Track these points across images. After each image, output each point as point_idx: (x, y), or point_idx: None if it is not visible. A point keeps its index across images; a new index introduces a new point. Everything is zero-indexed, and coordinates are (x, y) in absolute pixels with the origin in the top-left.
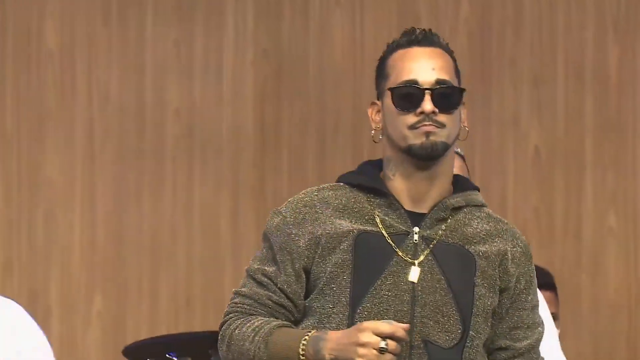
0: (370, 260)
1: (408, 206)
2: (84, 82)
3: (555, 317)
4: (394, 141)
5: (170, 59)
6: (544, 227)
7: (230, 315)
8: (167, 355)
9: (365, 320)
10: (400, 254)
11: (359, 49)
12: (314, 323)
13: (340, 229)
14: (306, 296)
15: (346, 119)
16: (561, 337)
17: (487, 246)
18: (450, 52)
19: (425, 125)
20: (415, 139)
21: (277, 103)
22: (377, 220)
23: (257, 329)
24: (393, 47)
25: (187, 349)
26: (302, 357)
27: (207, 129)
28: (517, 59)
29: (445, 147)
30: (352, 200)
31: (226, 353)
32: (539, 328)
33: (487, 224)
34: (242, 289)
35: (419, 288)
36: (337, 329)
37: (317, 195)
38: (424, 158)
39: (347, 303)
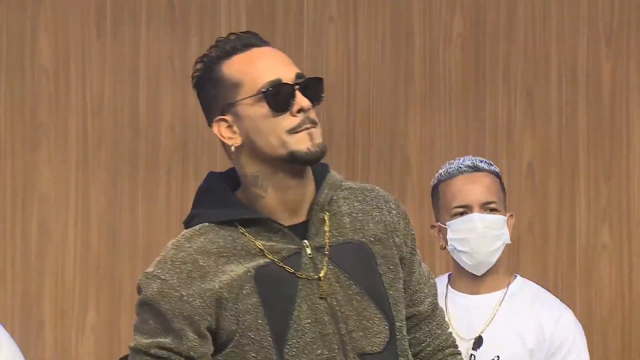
0: (278, 294)
1: (287, 221)
2: (78, 95)
3: None
4: (265, 152)
5: (164, 71)
6: (537, 240)
7: None
8: None
9: (294, 356)
10: (302, 276)
11: (353, 64)
12: None
13: (234, 274)
14: (216, 352)
15: (340, 131)
16: None
17: (371, 225)
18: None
19: (307, 127)
20: (299, 144)
21: None
22: (264, 250)
23: None
24: (221, 58)
25: None
26: None
27: (201, 139)
28: (510, 72)
29: (325, 147)
30: (229, 239)
31: None
32: (431, 280)
33: (357, 202)
34: None
35: (334, 303)
36: None
37: (190, 247)
38: (310, 163)
39: (271, 346)
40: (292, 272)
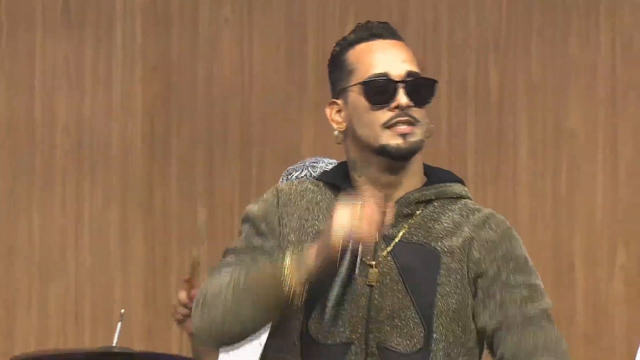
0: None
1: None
2: None
3: None
4: (363, 141)
5: (59, 75)
6: None
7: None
8: None
9: (318, 324)
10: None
11: (247, 65)
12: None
13: (304, 222)
14: None
15: (234, 135)
16: None
17: (453, 239)
18: (407, 43)
19: (401, 122)
20: (390, 140)
21: (166, 118)
22: None
23: (236, 273)
24: (350, 42)
25: None
26: (287, 277)
27: (96, 143)
28: None
29: (421, 144)
30: (325, 197)
31: (201, 308)
32: (544, 299)
33: (458, 215)
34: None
35: (376, 292)
36: (293, 332)
37: (296, 186)
38: (399, 159)
39: (301, 308)
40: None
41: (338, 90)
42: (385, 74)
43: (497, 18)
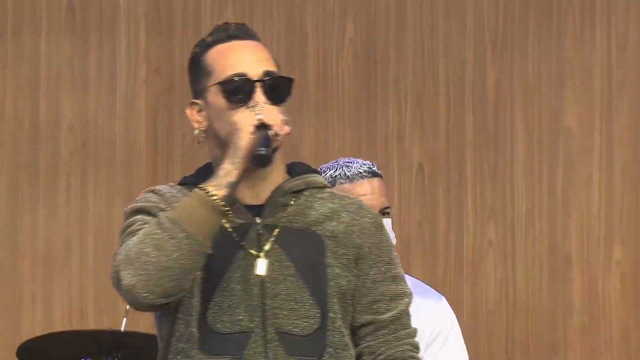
0: (218, 254)
1: (247, 200)
2: None
3: None
4: (223, 139)
5: (64, 75)
6: (427, 240)
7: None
8: None
9: (216, 314)
10: (245, 246)
11: None
12: (171, 320)
13: None
14: None
15: None
16: None
17: (334, 223)
18: (262, 43)
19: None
20: None
21: (169, 118)
22: None
23: (153, 223)
24: (208, 44)
25: (82, 347)
26: (211, 193)
27: (100, 143)
28: (400, 78)
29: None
30: None
31: (130, 265)
32: (405, 299)
33: (331, 203)
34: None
35: (268, 279)
36: (192, 324)
37: (160, 190)
38: None
39: (199, 296)
40: (237, 241)
41: (198, 90)
42: (242, 74)
43: (494, 18)
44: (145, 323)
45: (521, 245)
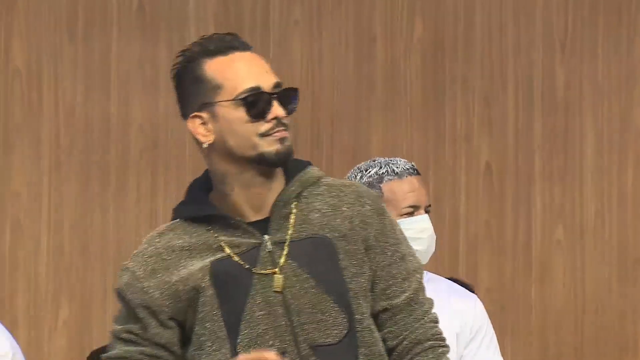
0: (233, 286)
1: (252, 217)
2: (51, 98)
3: None
4: (237, 152)
5: (134, 75)
6: (495, 239)
7: None
8: None
9: (246, 347)
10: (257, 270)
11: (317, 67)
12: None
13: (193, 269)
14: (188, 342)
15: (304, 133)
16: (506, 342)
17: (338, 221)
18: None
19: (279, 131)
20: (269, 146)
21: None
22: (223, 245)
23: None
24: (202, 56)
25: None
26: None
27: (170, 143)
28: (469, 78)
29: (292, 148)
30: (194, 234)
31: None
32: (416, 275)
33: (330, 197)
34: (112, 352)
35: (289, 296)
36: (223, 358)
37: (159, 242)
38: (277, 164)
39: (225, 337)
40: (248, 267)
41: (200, 104)
42: (258, 88)
43: (563, 19)
44: None
45: (590, 246)
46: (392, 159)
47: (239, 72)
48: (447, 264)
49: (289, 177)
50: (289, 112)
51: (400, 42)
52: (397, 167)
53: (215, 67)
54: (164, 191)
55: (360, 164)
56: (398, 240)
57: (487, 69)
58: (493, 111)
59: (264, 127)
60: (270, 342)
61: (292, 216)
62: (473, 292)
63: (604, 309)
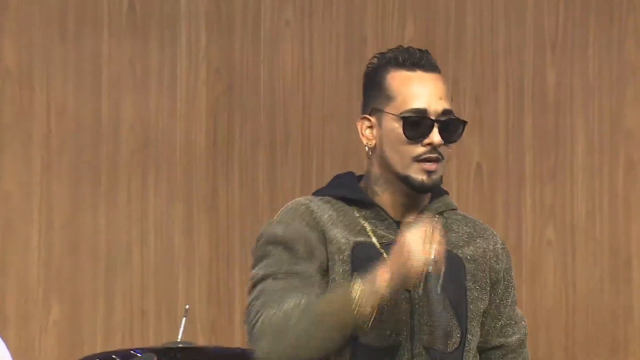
0: (368, 270)
1: (396, 216)
2: (41, 98)
3: None
4: (390, 164)
5: (125, 76)
6: None
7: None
8: (131, 351)
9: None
10: None
11: (308, 68)
12: None
13: (337, 238)
14: None
15: (295, 134)
16: None
17: (472, 248)
18: (442, 75)
19: (430, 159)
20: (417, 174)
21: (228, 119)
22: (368, 230)
23: (298, 301)
24: (390, 63)
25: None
26: (359, 305)
27: (161, 143)
28: (459, 78)
29: (441, 180)
30: (342, 212)
31: (267, 338)
32: (523, 322)
33: (466, 226)
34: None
35: (416, 296)
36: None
37: (309, 205)
38: (420, 192)
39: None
40: (386, 258)
41: (372, 107)
42: (423, 110)
43: (554, 18)
44: (204, 325)
45: (581, 246)
46: None
47: (413, 90)
48: None
49: (433, 195)
50: (447, 142)
51: (391, 43)
52: None
53: (395, 79)
54: (155, 191)
55: None
56: (515, 286)
57: (478, 70)
58: (484, 112)
59: (418, 150)
60: (388, 332)
61: None
62: None
63: (595, 309)
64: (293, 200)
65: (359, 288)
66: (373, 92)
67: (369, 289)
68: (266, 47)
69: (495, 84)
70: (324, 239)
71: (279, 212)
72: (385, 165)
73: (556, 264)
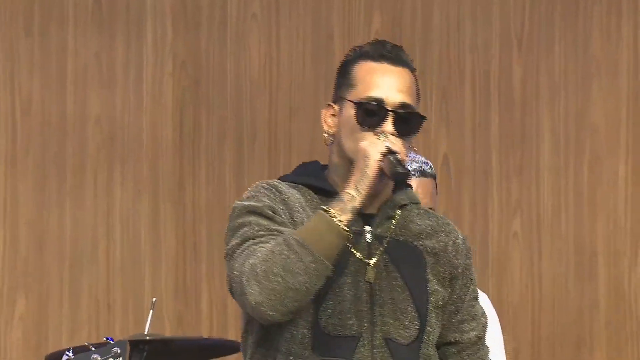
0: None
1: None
2: (7, 93)
3: None
4: (346, 153)
5: (91, 70)
6: None
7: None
8: (104, 339)
9: (329, 317)
10: (356, 253)
11: (275, 62)
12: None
13: (304, 222)
14: None
15: (262, 129)
16: None
17: (433, 241)
18: (414, 71)
19: None
20: None
21: (195, 113)
22: None
23: (276, 241)
24: (361, 55)
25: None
26: (337, 218)
27: (127, 137)
28: (426, 73)
29: (399, 174)
30: (308, 198)
31: (257, 281)
32: (482, 319)
33: (428, 220)
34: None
35: (377, 287)
36: (304, 325)
37: (280, 185)
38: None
39: (312, 300)
40: (349, 248)
41: (337, 96)
42: (380, 100)
43: (520, 14)
44: (171, 318)
45: (547, 241)
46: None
47: (374, 80)
48: None
49: (397, 188)
50: (402, 135)
51: (358, 38)
52: (419, 163)
53: (360, 68)
54: (121, 187)
55: None
56: (475, 282)
57: (444, 65)
58: (450, 107)
59: (368, 137)
60: (350, 322)
61: (395, 219)
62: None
63: (561, 304)
64: (261, 181)
65: (329, 208)
66: (340, 81)
67: (339, 204)
68: (232, 41)
69: (461, 80)
70: (292, 221)
71: (248, 190)
72: (342, 153)
73: (522, 259)
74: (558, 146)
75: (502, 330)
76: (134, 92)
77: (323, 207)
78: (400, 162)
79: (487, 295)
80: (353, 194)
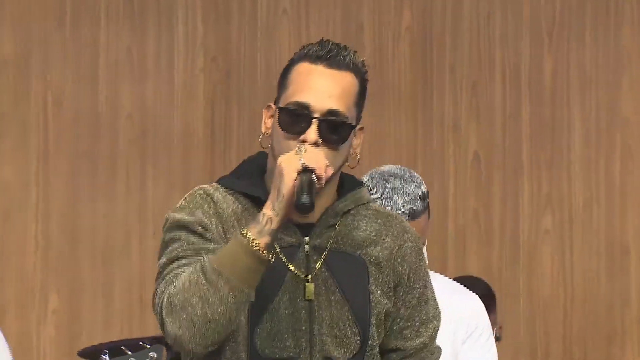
0: (266, 277)
1: (297, 218)
2: (39, 87)
3: (494, 322)
4: (275, 155)
5: (123, 65)
6: (482, 228)
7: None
8: (140, 343)
9: (264, 339)
10: (292, 269)
11: None
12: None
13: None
14: None
15: None
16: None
17: (378, 248)
18: (358, 74)
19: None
20: None
21: (226, 107)
22: None
23: (194, 266)
24: (303, 55)
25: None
26: (255, 242)
27: (159, 132)
28: (457, 66)
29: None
30: (245, 206)
31: (175, 313)
32: (434, 322)
33: (375, 223)
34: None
35: (315, 303)
36: (239, 348)
37: (216, 194)
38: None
39: (245, 323)
40: (285, 262)
41: (276, 96)
42: (305, 105)
43: (550, 7)
44: None
45: (578, 236)
46: (399, 188)
47: (305, 83)
48: (436, 253)
49: (342, 192)
50: (327, 143)
51: (389, 31)
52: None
53: (297, 70)
54: (153, 180)
55: (367, 180)
56: (426, 283)
57: (474, 58)
58: (481, 100)
59: (294, 145)
60: (288, 342)
61: (336, 227)
62: (491, 290)
63: (592, 298)
64: (199, 187)
65: (246, 230)
66: (280, 81)
67: (256, 227)
68: (263, 35)
69: (492, 73)
70: (224, 238)
71: (184, 197)
72: (273, 156)
73: (553, 254)
74: (589, 140)
75: (533, 325)
76: (166, 87)
77: (240, 230)
78: (310, 185)
79: (518, 289)
80: (270, 215)
